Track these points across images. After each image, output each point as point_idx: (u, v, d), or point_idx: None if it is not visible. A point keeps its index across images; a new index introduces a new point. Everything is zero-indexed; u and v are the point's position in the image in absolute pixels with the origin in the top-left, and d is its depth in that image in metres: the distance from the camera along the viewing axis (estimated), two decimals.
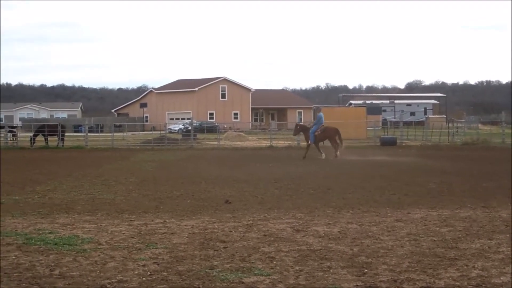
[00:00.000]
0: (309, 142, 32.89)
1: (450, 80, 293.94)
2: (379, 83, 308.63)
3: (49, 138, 47.26)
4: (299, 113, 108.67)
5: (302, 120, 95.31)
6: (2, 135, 49.29)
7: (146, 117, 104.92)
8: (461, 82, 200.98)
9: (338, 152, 31.80)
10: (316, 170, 24.39)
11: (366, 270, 8.25)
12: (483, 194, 16.34)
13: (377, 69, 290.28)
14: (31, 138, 46.56)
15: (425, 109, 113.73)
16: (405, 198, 15.62)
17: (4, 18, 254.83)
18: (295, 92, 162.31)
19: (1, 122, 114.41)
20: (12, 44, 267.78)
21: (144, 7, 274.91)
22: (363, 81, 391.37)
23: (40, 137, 47.16)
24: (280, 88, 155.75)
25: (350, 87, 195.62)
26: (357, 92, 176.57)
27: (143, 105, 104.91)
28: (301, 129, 35.15)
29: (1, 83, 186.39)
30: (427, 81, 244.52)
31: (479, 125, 63.81)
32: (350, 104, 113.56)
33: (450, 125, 60.04)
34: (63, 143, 46.40)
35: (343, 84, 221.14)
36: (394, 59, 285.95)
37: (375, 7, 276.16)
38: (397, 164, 27.58)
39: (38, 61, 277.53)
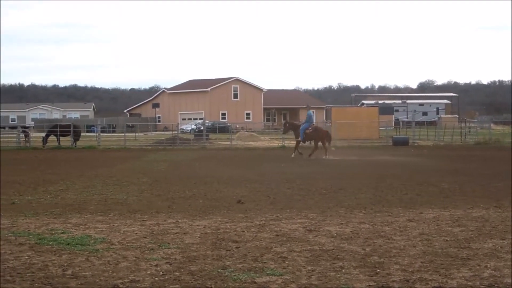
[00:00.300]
0: (299, 139, 32.82)
1: (462, 80, 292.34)
2: (391, 83, 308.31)
3: (62, 138, 47.39)
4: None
5: (314, 121, 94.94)
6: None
7: (159, 117, 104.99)
8: (473, 82, 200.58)
9: (314, 153, 31.71)
10: (328, 170, 24.37)
11: (378, 270, 8.24)
12: (496, 194, 16.28)
13: (390, 69, 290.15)
14: (43, 139, 46.69)
15: (438, 109, 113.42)
16: (418, 198, 15.59)
17: (18, 19, 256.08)
18: (307, 92, 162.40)
19: (14, 122, 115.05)
20: (24, 44, 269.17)
21: (157, 8, 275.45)
22: (376, 81, 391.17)
23: (52, 138, 47.30)
24: (292, 88, 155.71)
25: (363, 87, 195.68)
26: (370, 92, 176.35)
27: (156, 105, 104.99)
28: (290, 126, 34.86)
29: (12, 83, 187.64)
30: (440, 81, 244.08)
31: (492, 125, 63.57)
32: (363, 104, 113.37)
33: (463, 125, 59.90)
34: (75, 143, 46.51)
35: (355, 84, 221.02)
36: (407, 59, 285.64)
37: (387, 7, 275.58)
38: (409, 164, 27.54)
39: (50, 61, 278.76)
